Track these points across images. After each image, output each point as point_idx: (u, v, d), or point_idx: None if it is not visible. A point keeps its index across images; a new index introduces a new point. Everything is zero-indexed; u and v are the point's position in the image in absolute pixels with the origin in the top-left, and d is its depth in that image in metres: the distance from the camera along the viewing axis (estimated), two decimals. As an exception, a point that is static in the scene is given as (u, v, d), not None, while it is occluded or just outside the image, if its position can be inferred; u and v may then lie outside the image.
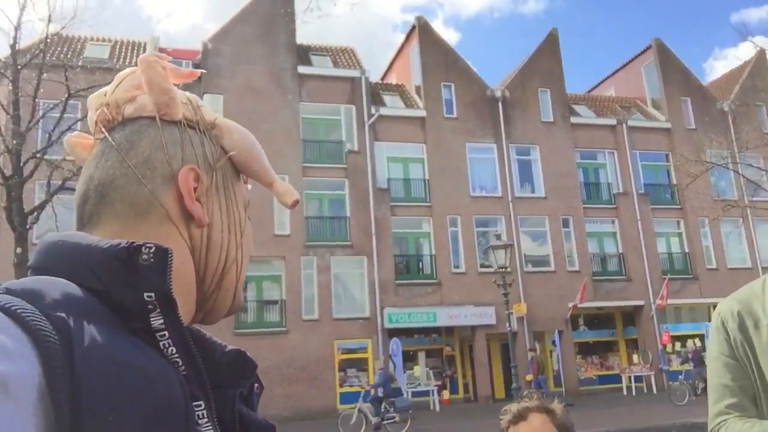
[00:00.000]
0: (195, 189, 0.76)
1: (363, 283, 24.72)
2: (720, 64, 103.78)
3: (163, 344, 0.65)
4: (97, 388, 0.56)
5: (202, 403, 0.66)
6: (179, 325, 0.67)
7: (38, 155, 15.26)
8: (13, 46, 15.52)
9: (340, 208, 25.54)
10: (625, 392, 25.49)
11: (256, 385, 0.83)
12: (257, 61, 25.14)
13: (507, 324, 16.52)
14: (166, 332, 0.65)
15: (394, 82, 30.28)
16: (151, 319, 0.65)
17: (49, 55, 16.56)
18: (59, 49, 23.43)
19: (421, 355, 26.04)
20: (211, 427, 0.67)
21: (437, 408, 22.81)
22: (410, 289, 25.18)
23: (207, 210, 0.76)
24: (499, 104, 28.21)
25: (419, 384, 23.40)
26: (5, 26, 13.98)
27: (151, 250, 0.66)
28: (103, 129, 0.79)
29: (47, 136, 15.84)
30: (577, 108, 30.82)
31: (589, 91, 36.49)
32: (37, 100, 15.49)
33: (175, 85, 0.81)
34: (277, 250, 23.52)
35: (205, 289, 0.76)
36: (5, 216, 14.90)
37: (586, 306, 26.70)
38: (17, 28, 15.46)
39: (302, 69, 26.10)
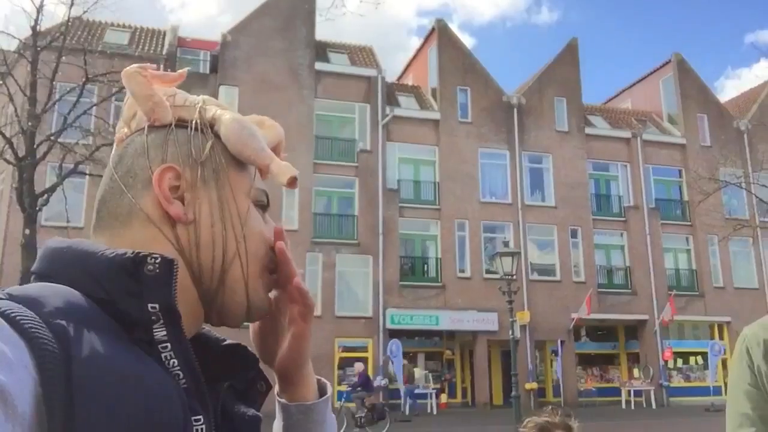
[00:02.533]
0: (177, 188, 0.74)
1: (367, 282, 24.75)
2: (731, 83, 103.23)
3: (165, 356, 0.65)
4: (93, 399, 0.55)
5: (201, 417, 0.65)
6: (182, 337, 0.66)
7: (52, 138, 15.36)
8: (34, 28, 15.60)
9: (348, 206, 25.58)
10: (624, 406, 25.41)
11: (261, 382, 0.81)
12: (275, 55, 25.19)
13: (510, 331, 16.48)
14: (168, 344, 0.65)
15: (410, 84, 30.26)
16: (154, 330, 0.65)
17: (69, 38, 16.65)
18: (79, 33, 23.56)
19: (421, 358, 26.05)
20: None
21: (434, 411, 22.82)
22: (414, 291, 25.18)
23: (193, 207, 0.75)
24: (515, 111, 28.15)
25: (418, 386, 23.40)
26: (28, 8, 14.14)
27: (157, 261, 0.66)
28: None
29: (62, 119, 15.93)
30: (592, 119, 30.69)
31: (605, 103, 36.32)
32: (54, 82, 15.57)
33: (175, 86, 0.83)
34: (283, 244, 23.54)
35: (205, 288, 0.74)
36: (15, 196, 15.02)
37: (589, 318, 26.62)
38: (39, 10, 15.56)
39: (319, 65, 26.15)
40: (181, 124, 0.79)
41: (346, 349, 24.13)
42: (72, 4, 15.93)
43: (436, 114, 27.27)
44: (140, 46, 25.58)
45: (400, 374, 22.59)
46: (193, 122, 0.79)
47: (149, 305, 0.64)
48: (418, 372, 24.19)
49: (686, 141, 30.61)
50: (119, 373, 0.58)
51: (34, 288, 0.63)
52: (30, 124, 15.01)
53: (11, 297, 0.60)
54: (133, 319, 0.64)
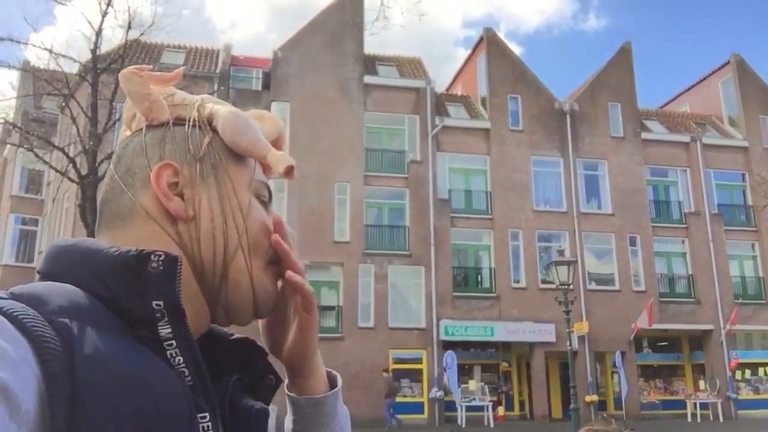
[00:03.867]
0: (176, 184, 0.75)
1: (420, 293, 24.64)
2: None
3: (170, 353, 0.65)
4: (97, 397, 0.55)
5: (207, 414, 0.65)
6: (187, 334, 0.66)
7: (112, 156, 15.92)
8: (93, 51, 16.24)
9: (399, 218, 25.57)
10: (689, 419, 24.50)
11: (271, 377, 0.81)
12: (325, 71, 25.52)
13: (567, 342, 16.08)
14: (173, 341, 0.65)
15: (459, 94, 30.17)
16: (159, 327, 0.65)
17: (127, 60, 17.26)
18: (137, 54, 24.42)
19: (477, 370, 25.70)
20: None
21: (491, 424, 22.46)
22: (468, 302, 24.92)
23: (193, 202, 0.74)
24: (567, 117, 27.68)
25: (474, 398, 23.08)
26: (87, 32, 14.80)
27: (161, 258, 0.66)
28: None
29: (122, 138, 16.48)
30: (648, 123, 29.92)
31: (662, 107, 35.34)
32: (114, 103, 16.17)
33: (180, 87, 0.83)
34: (336, 256, 23.74)
35: (209, 283, 0.74)
36: (79, 213, 15.58)
37: (651, 328, 25.78)
38: (98, 34, 16.19)
39: (368, 79, 26.34)
40: (179, 122, 0.79)
41: (400, 360, 24.03)
42: (129, 28, 16.55)
43: (486, 123, 27.07)
44: (195, 66, 26.31)
45: (455, 386, 22.31)
46: (191, 119, 0.79)
47: (153, 303, 0.65)
48: (474, 384, 23.88)
49: (748, 143, 29.49)
50: (123, 371, 0.58)
51: (39, 287, 0.63)
52: (92, 143, 15.60)
53: (14, 296, 0.61)
54: (138, 316, 0.65)
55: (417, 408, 23.58)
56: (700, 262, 27.58)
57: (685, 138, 29.22)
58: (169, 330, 0.65)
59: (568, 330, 15.81)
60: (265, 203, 0.81)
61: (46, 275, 0.70)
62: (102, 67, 16.37)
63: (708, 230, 27.90)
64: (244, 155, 0.79)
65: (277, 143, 0.85)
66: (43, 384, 0.54)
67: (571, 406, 15.21)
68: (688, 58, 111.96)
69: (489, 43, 28.39)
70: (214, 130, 0.79)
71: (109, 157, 15.97)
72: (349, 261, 24.03)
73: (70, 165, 15.66)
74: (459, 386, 22.71)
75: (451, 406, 22.94)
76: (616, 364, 24.35)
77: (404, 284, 24.76)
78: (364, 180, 24.96)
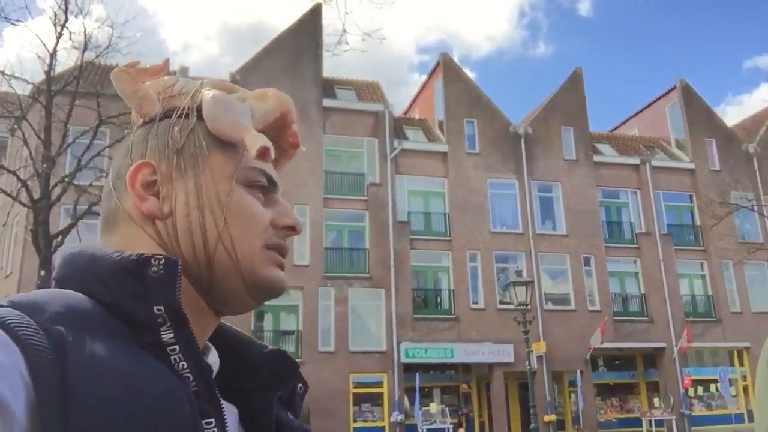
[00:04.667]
0: (154, 182, 0.74)
1: (380, 316, 24.60)
2: (732, 109, 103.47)
3: (174, 359, 0.64)
4: (89, 404, 0.55)
5: (212, 420, 0.64)
6: (190, 339, 0.65)
7: (66, 180, 15.56)
8: (48, 73, 15.92)
9: (359, 240, 25.58)
10: (646, 437, 24.92)
11: (299, 385, 0.81)
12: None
13: (527, 363, 16.28)
14: (176, 346, 0.64)
15: (416, 117, 30.54)
16: (162, 333, 0.64)
17: (82, 82, 16.96)
18: (92, 76, 23.99)
19: (437, 392, 25.70)
20: None
21: (452, 446, 22.46)
22: (428, 324, 24.99)
23: (170, 200, 0.73)
24: (522, 141, 28.28)
25: (435, 421, 23.06)
26: (41, 53, 14.50)
27: (161, 262, 0.65)
28: None
29: (77, 161, 16.16)
30: (600, 146, 30.76)
31: (612, 130, 36.44)
32: (68, 125, 15.84)
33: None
34: (295, 280, 23.54)
35: (197, 278, 0.72)
36: (31, 239, 15.14)
37: (607, 347, 26.27)
38: (53, 56, 15.90)
39: (327, 102, 26.46)
40: (168, 113, 0.78)
41: (361, 384, 23.86)
42: (85, 50, 16.30)
43: (443, 146, 27.43)
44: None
45: (418, 409, 22.25)
46: (177, 110, 0.77)
47: (155, 307, 0.64)
48: (434, 407, 23.86)
49: (695, 166, 30.58)
50: (120, 378, 0.57)
51: (38, 295, 0.63)
52: (45, 166, 15.23)
53: (13, 304, 0.60)
54: (141, 321, 0.64)
55: (378, 432, 23.42)
56: (652, 281, 28.31)
57: (635, 160, 30.13)
58: (172, 335, 0.64)
59: (527, 350, 16.03)
60: (264, 190, 0.77)
61: (57, 282, 0.70)
62: (56, 88, 16.06)
63: (659, 250, 28.70)
64: (225, 140, 0.76)
65: (282, 122, 0.81)
66: (33, 392, 0.53)
67: (531, 425, 15.33)
68: (636, 84, 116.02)
69: (445, 67, 28.88)
70: (202, 118, 0.77)
71: (62, 180, 15.61)
72: (308, 284, 23.87)
73: (22, 188, 15.23)
74: (420, 409, 22.67)
75: (412, 429, 22.85)
76: (576, 383, 24.69)
77: (364, 307, 24.69)
78: (323, 202, 24.93)
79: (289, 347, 23.66)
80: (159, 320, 0.64)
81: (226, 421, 0.66)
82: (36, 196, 15.06)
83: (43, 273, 14.81)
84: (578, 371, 24.32)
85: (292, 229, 0.78)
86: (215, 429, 0.64)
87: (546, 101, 30.07)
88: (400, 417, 22.85)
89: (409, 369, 23.90)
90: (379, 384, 24.03)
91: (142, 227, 0.73)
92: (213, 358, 0.76)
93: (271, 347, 0.80)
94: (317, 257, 24.28)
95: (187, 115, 0.76)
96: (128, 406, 0.56)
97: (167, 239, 0.72)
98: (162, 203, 0.73)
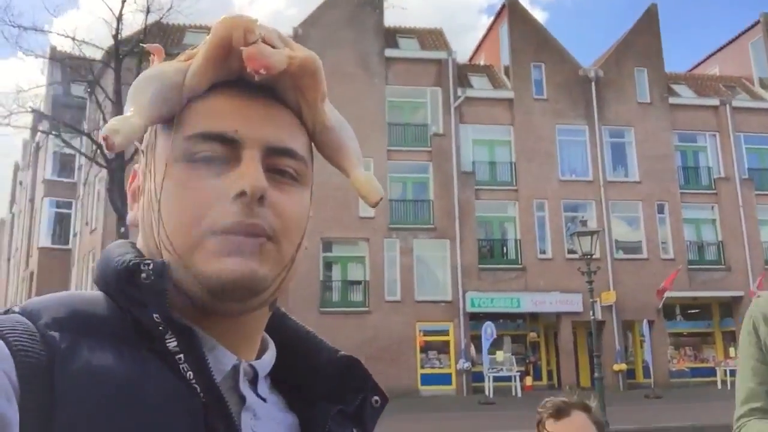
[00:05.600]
0: (139, 188, 0.71)
1: (446, 266, 24.76)
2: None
3: (183, 368, 0.61)
4: (75, 411, 0.54)
5: None
6: (194, 347, 0.61)
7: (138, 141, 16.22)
8: (115, 37, 16.48)
9: (423, 192, 25.61)
10: (719, 386, 24.35)
11: (375, 398, 0.73)
12: (345, 46, 25.41)
13: (591, 312, 16.13)
14: (181, 355, 0.61)
15: (482, 64, 29.84)
16: (167, 341, 0.61)
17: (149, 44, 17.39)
18: (159, 38, 24.59)
19: (506, 341, 25.85)
20: None
21: (519, 394, 22.66)
22: (494, 274, 24.98)
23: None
24: (592, 84, 27.23)
25: (501, 369, 23.28)
26: (108, 18, 15.00)
27: (150, 267, 0.62)
28: None
29: (146, 121, 16.76)
30: (676, 88, 29.28)
31: (690, 71, 34.52)
32: (137, 87, 16.39)
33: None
34: (361, 232, 23.94)
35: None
36: (108, 197, 15.99)
37: (681, 296, 25.62)
38: (119, 20, 16.40)
39: (389, 52, 26.19)
40: None
41: (428, 333, 24.29)
42: (148, 12, 16.72)
43: (509, 93, 26.78)
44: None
45: (486, 357, 22.49)
46: None
47: (154, 315, 0.61)
48: (501, 355, 24.04)
49: (781, 105, 28.74)
50: (113, 386, 0.56)
51: (47, 299, 0.63)
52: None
53: (22, 309, 0.61)
54: (146, 329, 0.62)
55: (445, 379, 23.91)
56: (730, 228, 27.16)
57: (714, 102, 28.56)
58: (176, 343, 0.61)
59: (591, 300, 15.84)
60: (222, 155, 0.66)
61: (95, 282, 0.69)
62: (125, 51, 16.60)
63: (738, 195, 27.41)
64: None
65: (229, 51, 0.66)
66: (19, 399, 0.53)
67: (596, 375, 15.28)
68: (717, 20, 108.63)
69: (511, 10, 27.92)
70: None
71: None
72: (374, 236, 24.20)
73: (98, 150, 16.01)
74: (486, 357, 22.92)
75: (478, 377, 23.17)
76: (642, 333, 24.29)
77: (430, 257, 24.89)
78: (387, 155, 24.98)
79: (357, 296, 24.29)
80: (160, 328, 0.61)
81: None
82: (110, 157, 15.80)
83: (122, 230, 15.66)
84: (645, 320, 23.79)
85: (242, 195, 0.63)
86: None
87: (618, 42, 28.70)
88: (467, 364, 23.18)
89: (475, 318, 24.09)
90: (446, 332, 24.39)
91: (140, 231, 0.71)
92: (268, 358, 0.72)
93: (342, 353, 0.75)
94: (382, 209, 24.50)
95: None
96: (117, 415, 0.54)
97: (142, 245, 0.70)
98: (137, 210, 0.71)
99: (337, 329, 20.96)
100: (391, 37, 27.31)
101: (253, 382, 0.68)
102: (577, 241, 15.64)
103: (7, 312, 0.61)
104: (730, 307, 27.15)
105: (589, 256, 15.45)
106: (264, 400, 0.69)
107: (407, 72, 26.13)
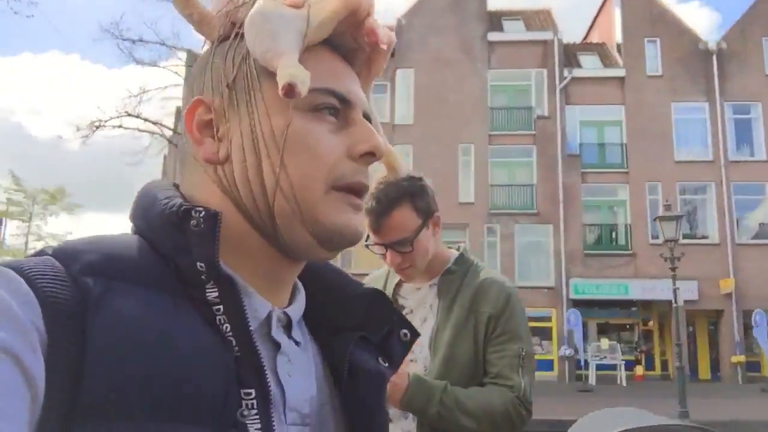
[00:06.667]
0: (210, 121, 0.66)
1: (548, 251, 24.44)
2: None
3: (219, 319, 0.59)
4: (106, 361, 0.52)
5: (252, 391, 0.58)
6: (235, 299, 0.60)
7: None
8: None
9: (527, 176, 25.32)
10: None
11: (403, 331, 0.74)
12: (447, 32, 25.56)
13: (672, 300, 15.50)
14: (221, 306, 0.60)
15: (595, 42, 28.71)
16: (207, 290, 0.60)
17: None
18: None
19: (610, 328, 25.15)
20: (258, 420, 0.58)
21: (623, 383, 22.04)
22: (600, 260, 24.28)
23: (226, 140, 0.65)
24: (713, 58, 25.34)
25: (605, 357, 22.74)
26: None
27: (201, 215, 0.60)
28: None
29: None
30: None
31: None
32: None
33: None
34: (461, 217, 24.19)
35: (262, 228, 0.65)
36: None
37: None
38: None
39: (492, 36, 25.95)
40: (229, 35, 0.68)
41: (530, 318, 24.01)
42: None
43: (620, 71, 25.62)
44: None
45: (581, 344, 22.15)
46: (236, 29, 0.67)
47: (198, 263, 0.59)
48: (606, 342, 23.45)
49: None
50: (145, 337, 0.54)
51: (81, 241, 0.61)
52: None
53: (55, 251, 0.59)
54: (187, 277, 0.60)
55: (547, 365, 23.75)
56: None
57: None
58: (216, 294, 0.60)
59: (673, 287, 15.21)
60: (337, 113, 0.67)
61: (131, 221, 0.68)
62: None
63: None
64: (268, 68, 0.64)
65: (353, 21, 0.67)
66: (47, 348, 0.51)
67: (676, 364, 14.60)
68: None
69: (622, -16, 26.58)
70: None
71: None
72: (474, 221, 24.37)
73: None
74: (589, 344, 22.51)
75: (580, 364, 22.83)
76: (755, 322, 22.56)
77: (531, 243, 24.67)
78: (489, 140, 24.95)
79: (459, 281, 24.63)
80: (203, 277, 0.59)
81: (272, 394, 0.60)
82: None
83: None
84: (756, 310, 21.95)
85: (371, 155, 0.66)
86: (255, 401, 0.58)
87: (744, 13, 26.38)
88: (569, 351, 22.88)
89: (578, 305, 23.64)
90: (548, 319, 24.18)
91: (205, 171, 0.66)
92: (299, 304, 0.71)
93: (366, 286, 0.76)
94: (482, 194, 24.59)
95: (242, 36, 0.65)
96: (148, 368, 0.53)
97: (227, 186, 0.65)
98: (219, 146, 0.66)
99: (437, 313, 21.49)
100: (496, 20, 27.03)
101: (287, 327, 0.68)
102: (660, 226, 15.05)
103: (40, 254, 0.59)
104: None
105: (673, 242, 14.82)
106: (298, 343, 0.69)
107: (511, 55, 25.81)
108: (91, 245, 0.60)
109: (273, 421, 0.59)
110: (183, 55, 19.07)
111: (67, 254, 0.58)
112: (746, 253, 24.15)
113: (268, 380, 0.60)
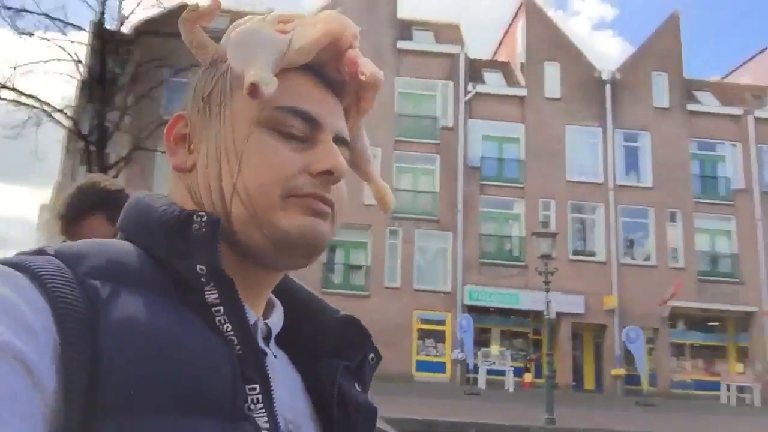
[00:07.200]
0: (186, 135, 0.71)
1: (446, 258, 24.87)
2: None
3: (219, 320, 0.61)
4: (121, 365, 0.52)
5: (257, 386, 0.60)
6: (235, 300, 0.62)
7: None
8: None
9: (429, 183, 25.76)
10: (724, 401, 23.69)
11: (371, 355, 0.76)
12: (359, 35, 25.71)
13: (545, 313, 16.11)
14: (221, 307, 0.61)
15: (500, 60, 29.88)
16: (206, 293, 0.61)
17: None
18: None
19: (498, 335, 25.81)
20: (265, 413, 0.60)
21: (511, 388, 22.50)
22: (494, 269, 24.93)
23: (196, 151, 0.69)
24: (607, 86, 26.99)
25: (494, 363, 23.22)
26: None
27: (203, 220, 0.62)
28: None
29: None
30: (699, 95, 28.73)
31: (722, 79, 33.76)
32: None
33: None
34: (365, 218, 24.14)
35: (224, 234, 0.65)
36: (87, 170, 16.75)
37: (689, 306, 25.11)
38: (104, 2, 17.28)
39: (402, 44, 26.47)
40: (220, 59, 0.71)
41: (425, 321, 24.49)
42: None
43: (521, 90, 26.74)
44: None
45: (471, 349, 22.51)
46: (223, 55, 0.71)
47: (198, 267, 0.61)
48: (495, 348, 23.99)
49: (807, 118, 27.92)
50: (155, 337, 0.55)
51: (83, 245, 0.62)
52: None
53: (57, 253, 0.59)
54: (186, 280, 0.62)
55: (439, 367, 24.06)
56: (747, 241, 26.46)
57: (737, 111, 27.91)
58: (216, 295, 0.61)
59: (547, 301, 15.83)
60: (303, 133, 0.68)
61: (120, 230, 0.70)
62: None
63: (756, 209, 26.71)
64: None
65: (335, 49, 0.71)
66: (60, 350, 0.51)
67: (547, 373, 14.93)
68: (754, 29, 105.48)
69: (528, 8, 27.90)
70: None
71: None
72: (377, 223, 24.43)
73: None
74: (479, 350, 22.91)
75: (471, 368, 23.16)
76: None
77: (431, 248, 25.06)
78: (394, 145, 25.23)
79: (359, 281, 24.59)
80: (202, 279, 0.61)
81: (273, 388, 0.62)
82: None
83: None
84: (628, 327, 23.09)
85: (329, 173, 0.67)
86: (260, 395, 0.60)
87: (639, 47, 28.35)
88: (461, 355, 23.13)
89: (472, 311, 24.06)
90: (442, 322, 24.50)
91: (180, 179, 0.71)
92: (276, 317, 0.73)
93: (343, 313, 0.77)
94: (386, 198, 24.69)
95: (225, 59, 0.69)
96: (162, 365, 0.54)
97: (194, 193, 0.69)
98: (189, 156, 0.70)
99: (336, 311, 21.35)
100: (407, 29, 27.58)
101: (266, 339, 0.70)
102: (536, 242, 15.70)
103: (40, 252, 0.59)
104: (743, 322, 26.38)
105: (547, 257, 15.42)
106: (275, 356, 0.70)
107: (419, 64, 26.36)
108: (93, 249, 0.61)
109: (277, 415, 0.62)
110: (69, 30, 18.23)
111: (71, 256, 0.58)
112: (629, 272, 25.50)
113: (270, 376, 0.62)
